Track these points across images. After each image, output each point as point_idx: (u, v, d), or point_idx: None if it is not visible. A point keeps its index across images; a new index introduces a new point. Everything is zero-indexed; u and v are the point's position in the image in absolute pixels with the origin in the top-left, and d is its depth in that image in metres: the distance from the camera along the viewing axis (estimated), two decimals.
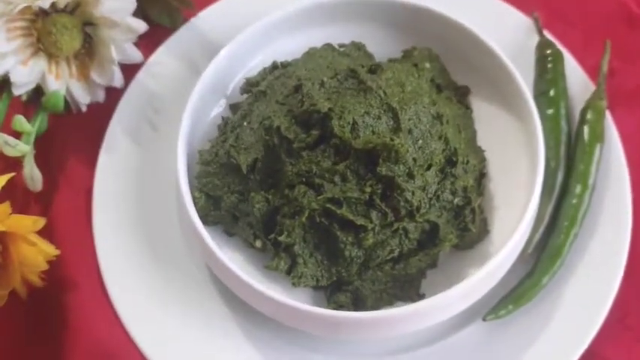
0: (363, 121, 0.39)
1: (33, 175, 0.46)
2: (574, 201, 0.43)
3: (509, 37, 0.50)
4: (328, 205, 0.39)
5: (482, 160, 0.45)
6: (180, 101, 0.48)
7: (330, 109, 0.39)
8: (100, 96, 0.50)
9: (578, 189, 0.43)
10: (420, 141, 0.40)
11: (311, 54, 0.46)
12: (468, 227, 0.41)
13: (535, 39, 0.49)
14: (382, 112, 0.40)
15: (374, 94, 0.40)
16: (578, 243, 0.43)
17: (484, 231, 0.43)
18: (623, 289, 0.42)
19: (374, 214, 0.39)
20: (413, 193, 0.39)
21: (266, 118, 0.41)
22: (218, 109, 0.47)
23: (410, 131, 0.40)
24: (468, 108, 0.47)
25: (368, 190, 0.39)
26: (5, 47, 0.46)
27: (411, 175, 0.39)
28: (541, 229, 0.43)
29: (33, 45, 0.47)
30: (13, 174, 0.42)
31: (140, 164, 0.47)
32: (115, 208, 0.46)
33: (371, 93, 0.40)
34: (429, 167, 0.40)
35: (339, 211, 0.39)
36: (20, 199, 0.47)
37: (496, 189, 0.45)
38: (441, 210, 0.41)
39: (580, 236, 0.43)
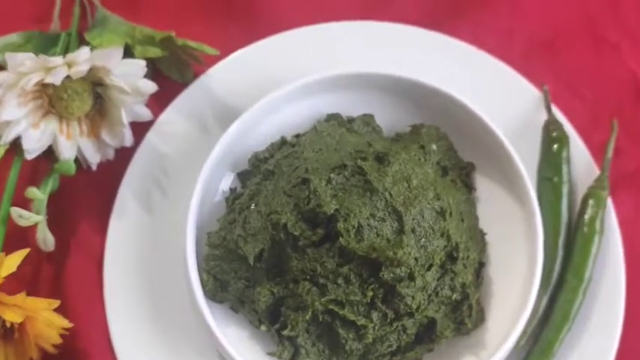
0: (368, 224, 0.40)
1: (46, 240, 0.47)
2: (569, 296, 0.44)
3: (518, 110, 0.50)
4: (331, 307, 0.40)
5: (483, 248, 0.46)
6: (189, 163, 0.49)
7: (336, 210, 0.40)
8: (110, 154, 0.50)
9: (573, 282, 0.44)
10: (423, 239, 0.41)
11: (319, 131, 0.46)
12: (465, 322, 0.43)
13: (544, 113, 0.49)
14: (387, 214, 0.41)
15: (380, 196, 0.41)
16: (570, 337, 0.44)
17: (480, 319, 0.44)
18: None
19: (375, 315, 0.41)
20: (413, 298, 0.41)
21: (273, 212, 0.42)
22: (226, 179, 0.48)
23: (413, 230, 0.41)
24: (471, 188, 0.48)
25: (370, 294, 0.40)
26: (17, 114, 0.46)
27: (412, 277, 0.41)
28: (535, 322, 0.44)
29: (44, 107, 0.47)
30: (27, 250, 0.43)
31: (150, 230, 0.48)
32: (126, 277, 0.47)
33: (377, 194, 0.41)
34: (429, 267, 0.42)
35: (341, 312, 0.40)
36: (33, 256, 0.49)
37: (495, 274, 0.46)
38: (439, 305, 0.42)
39: (572, 330, 0.44)
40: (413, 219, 0.41)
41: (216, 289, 0.44)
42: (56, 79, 0.44)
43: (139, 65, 0.47)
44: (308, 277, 0.41)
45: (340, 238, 0.40)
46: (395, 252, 0.39)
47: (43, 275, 0.48)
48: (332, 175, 0.41)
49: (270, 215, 0.42)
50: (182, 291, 0.46)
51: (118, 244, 0.47)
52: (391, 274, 0.40)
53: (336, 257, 0.40)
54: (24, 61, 0.44)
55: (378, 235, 0.40)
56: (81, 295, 0.47)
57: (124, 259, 0.47)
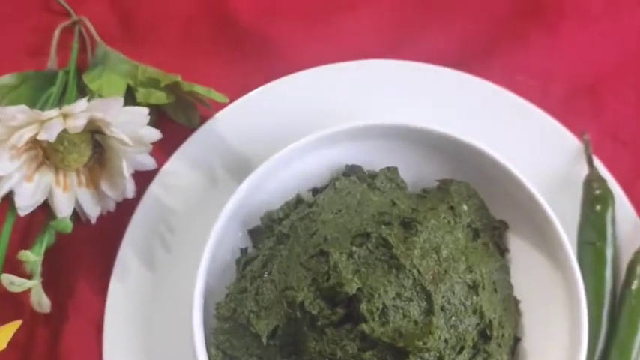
0: (394, 305, 0.37)
1: (41, 302, 0.44)
2: None
3: (555, 162, 0.46)
4: None
5: (517, 320, 0.42)
6: (196, 218, 0.45)
7: (359, 289, 0.36)
8: (111, 206, 0.46)
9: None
10: (454, 318, 0.38)
11: (339, 190, 0.42)
12: None
13: (585, 166, 0.45)
14: (415, 293, 0.37)
15: (407, 273, 0.37)
16: None
17: None
18: None
19: None
20: None
21: (288, 287, 0.38)
22: (236, 235, 0.44)
23: (443, 309, 0.37)
24: (504, 249, 0.44)
25: None
26: (9, 168, 0.42)
27: None
28: None
29: (38, 158, 0.44)
30: (19, 323, 0.40)
31: (153, 291, 0.44)
32: (127, 342, 0.43)
33: (404, 271, 0.37)
34: (461, 350, 0.38)
35: None
36: (28, 319, 0.45)
37: (530, 346, 0.42)
38: None
39: None
40: (443, 296, 0.37)
41: None
42: (51, 135, 0.40)
43: (141, 114, 0.43)
44: (327, 359, 0.37)
45: (363, 325, 0.36)
46: (425, 341, 0.35)
47: (39, 339, 0.45)
48: (354, 248, 0.38)
49: (285, 291, 0.38)
50: (188, 359, 0.43)
51: (119, 306, 0.44)
52: None
53: (357, 340, 0.37)
54: (16, 114, 0.40)
55: (404, 317, 0.36)
56: None
57: (125, 322, 0.44)
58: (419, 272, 0.37)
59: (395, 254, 0.37)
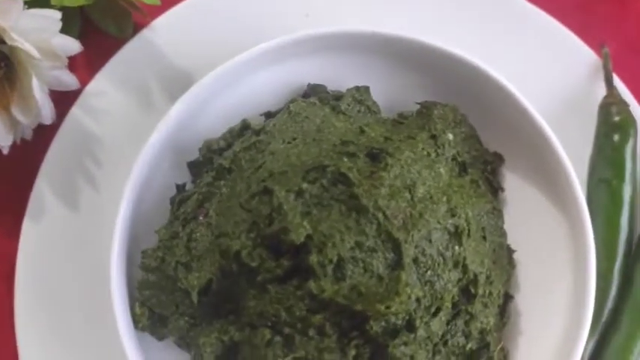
0: (353, 257, 0.29)
1: None
2: (625, 342, 0.34)
3: (567, 81, 0.39)
4: None
5: (510, 274, 0.35)
6: (127, 148, 0.38)
7: (308, 236, 0.29)
8: (27, 134, 0.39)
9: (632, 325, 0.34)
10: (429, 272, 0.30)
11: (294, 114, 0.34)
12: None
13: (602, 86, 0.37)
14: (379, 242, 0.30)
15: (369, 217, 0.29)
16: None
17: None
18: None
19: None
20: (412, 358, 0.30)
21: (223, 234, 0.31)
22: (173, 170, 0.37)
23: (416, 261, 0.30)
24: (497, 188, 0.36)
25: (352, 352, 0.30)
26: None
27: (411, 327, 0.30)
28: None
29: None
30: None
31: (75, 233, 0.38)
32: (42, 293, 0.37)
33: (365, 215, 0.29)
34: (436, 311, 0.31)
35: None
36: None
37: (525, 305, 0.36)
38: (448, 356, 0.32)
39: None
40: (416, 246, 0.30)
41: (154, 324, 0.34)
42: None
43: (51, 19, 0.36)
44: (269, 323, 0.30)
45: (312, 282, 0.29)
46: (389, 305, 0.28)
47: None
48: (304, 185, 0.30)
49: (219, 238, 0.31)
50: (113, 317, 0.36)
51: (32, 250, 0.38)
52: (382, 326, 0.29)
53: (306, 300, 0.30)
54: None
55: (365, 272, 0.29)
56: None
57: (41, 269, 0.38)
58: (385, 216, 0.30)
59: (355, 193, 0.30)
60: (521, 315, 0.35)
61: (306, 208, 0.30)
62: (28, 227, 0.38)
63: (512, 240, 0.36)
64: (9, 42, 0.35)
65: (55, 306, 0.37)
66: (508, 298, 0.35)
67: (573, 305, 0.33)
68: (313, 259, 0.29)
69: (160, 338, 0.35)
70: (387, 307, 0.28)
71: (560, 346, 0.33)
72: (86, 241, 0.38)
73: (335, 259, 0.29)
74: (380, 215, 0.30)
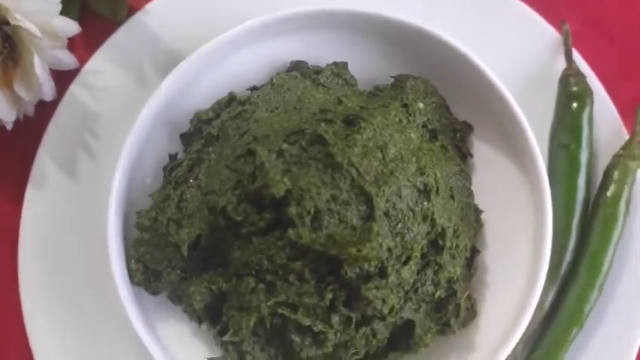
0: (328, 208, 0.32)
1: None
2: (581, 291, 0.36)
3: (529, 56, 0.41)
4: (281, 310, 0.32)
5: (477, 231, 0.37)
6: (123, 122, 0.40)
7: (287, 191, 0.32)
8: (29, 110, 0.41)
9: (588, 275, 0.36)
10: (400, 225, 0.33)
11: (277, 85, 0.37)
12: (450, 324, 0.35)
13: (562, 61, 0.40)
14: (353, 196, 0.32)
15: (343, 173, 0.32)
16: (580, 342, 0.37)
17: (471, 314, 0.37)
18: None
19: (335, 319, 0.33)
20: (384, 301, 0.32)
21: (211, 191, 0.33)
22: (168, 143, 0.39)
23: (387, 214, 0.33)
24: (466, 154, 0.39)
25: (329, 295, 0.32)
26: None
27: (383, 274, 0.32)
28: (537, 321, 0.36)
29: None
30: None
31: (74, 202, 0.40)
32: (44, 257, 0.40)
33: (340, 171, 0.32)
34: (407, 260, 0.33)
35: (293, 317, 0.32)
36: None
37: (491, 260, 0.38)
38: (419, 303, 0.34)
39: (582, 335, 0.36)
40: (387, 200, 0.33)
41: (148, 279, 0.36)
42: None
43: (52, 2, 0.38)
44: (253, 272, 0.33)
45: (290, 230, 0.31)
46: (359, 249, 0.31)
47: None
48: (284, 146, 0.33)
49: (207, 195, 0.34)
50: (111, 276, 0.39)
51: (35, 217, 0.40)
52: (356, 271, 0.32)
53: (287, 249, 0.32)
54: None
55: (340, 222, 0.32)
56: None
57: (43, 235, 0.40)
58: (358, 172, 0.32)
59: (331, 152, 0.32)
60: (489, 270, 0.38)
61: (286, 167, 0.33)
62: (30, 194, 0.40)
63: (480, 202, 0.39)
64: (12, 22, 0.38)
65: (56, 265, 0.39)
66: (475, 252, 0.37)
67: (533, 259, 0.35)
68: (292, 210, 0.32)
69: (154, 293, 0.37)
70: (359, 251, 0.31)
71: (521, 296, 0.35)
72: (85, 206, 0.40)
73: (312, 210, 0.32)
74: (353, 171, 0.32)
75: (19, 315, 0.39)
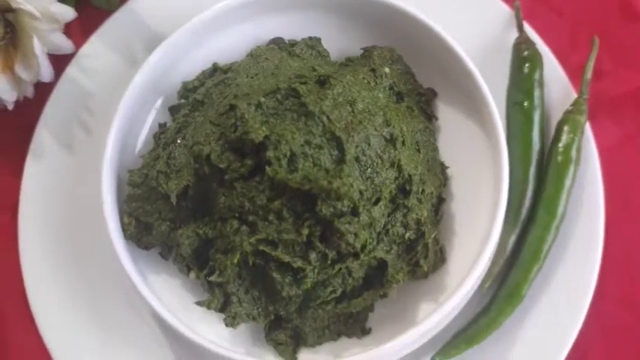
0: (303, 152, 0.35)
1: None
2: (540, 233, 0.39)
3: (485, 28, 0.45)
4: (262, 247, 0.35)
5: (443, 182, 0.40)
6: (115, 99, 0.43)
7: (266, 137, 0.35)
8: (29, 91, 0.45)
9: (545, 218, 0.39)
10: (369, 170, 0.36)
11: (255, 56, 0.41)
12: (420, 263, 0.38)
13: (515, 32, 0.43)
14: (325, 140, 0.35)
15: (316, 120, 0.35)
16: (541, 279, 0.39)
17: (440, 260, 0.39)
18: (583, 331, 0.39)
19: (313, 255, 0.35)
20: (356, 235, 0.35)
21: (196, 142, 0.37)
22: (157, 114, 0.43)
23: (357, 159, 0.36)
24: (431, 116, 0.42)
25: (305, 231, 0.35)
26: None
27: (355, 212, 0.35)
28: (502, 262, 0.39)
29: None
30: None
31: (72, 173, 0.43)
32: (43, 224, 0.42)
33: (312, 118, 0.35)
34: (377, 201, 0.36)
35: (273, 253, 0.35)
36: None
37: (457, 210, 0.41)
38: (390, 244, 0.37)
39: (543, 272, 0.39)
40: (357, 147, 0.36)
41: (140, 233, 0.39)
42: None
43: None
44: (236, 214, 0.36)
45: (268, 168, 0.34)
46: (330, 181, 0.34)
47: None
48: (262, 100, 0.36)
49: (193, 147, 0.37)
50: (106, 239, 0.41)
51: (34, 187, 0.43)
52: (330, 209, 0.35)
53: (266, 191, 0.35)
54: None
55: (314, 165, 0.35)
56: None
57: (42, 204, 0.43)
58: (329, 119, 0.36)
59: (304, 102, 0.36)
60: (455, 218, 0.40)
61: (264, 118, 0.36)
62: (30, 166, 0.42)
63: (446, 158, 0.41)
64: (13, 5, 0.41)
65: (54, 229, 0.42)
66: (441, 200, 0.40)
67: (493, 205, 0.38)
68: (270, 153, 0.35)
69: (146, 247, 0.39)
70: (330, 183, 0.34)
71: (482, 241, 0.38)
72: (81, 176, 0.42)
73: (288, 153, 0.34)
74: (324, 118, 0.35)
75: (19, 280, 0.41)
